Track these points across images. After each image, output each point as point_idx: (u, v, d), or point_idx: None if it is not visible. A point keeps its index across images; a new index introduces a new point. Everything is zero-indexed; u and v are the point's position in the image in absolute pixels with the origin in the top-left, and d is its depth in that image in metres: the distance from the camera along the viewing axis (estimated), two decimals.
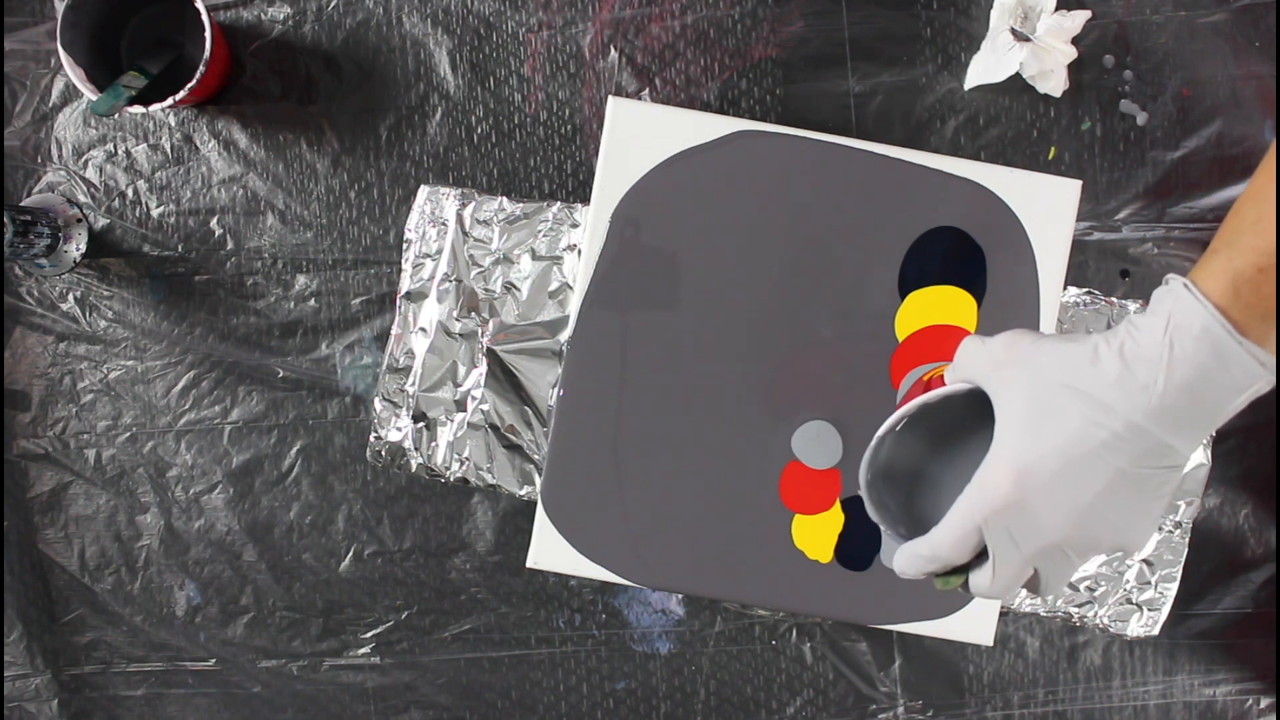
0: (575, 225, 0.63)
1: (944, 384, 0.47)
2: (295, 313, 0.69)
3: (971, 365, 0.44)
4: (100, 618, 0.70)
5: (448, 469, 0.63)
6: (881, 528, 0.48)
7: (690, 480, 0.60)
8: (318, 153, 0.69)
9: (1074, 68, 0.67)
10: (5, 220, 0.62)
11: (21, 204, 0.68)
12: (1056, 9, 0.65)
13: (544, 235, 0.63)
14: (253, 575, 0.70)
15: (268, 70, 0.68)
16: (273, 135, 0.69)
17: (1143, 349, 0.39)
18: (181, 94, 0.61)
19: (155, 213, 0.69)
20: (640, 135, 0.60)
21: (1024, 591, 0.63)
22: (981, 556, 0.43)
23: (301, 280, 0.69)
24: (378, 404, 0.64)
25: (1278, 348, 0.39)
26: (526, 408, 0.63)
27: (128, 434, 0.69)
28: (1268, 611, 0.69)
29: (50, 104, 0.69)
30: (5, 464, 0.69)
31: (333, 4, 0.68)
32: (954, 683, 0.69)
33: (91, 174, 0.69)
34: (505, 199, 0.63)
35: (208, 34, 0.61)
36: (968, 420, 0.47)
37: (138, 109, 0.61)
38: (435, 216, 0.63)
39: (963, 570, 0.44)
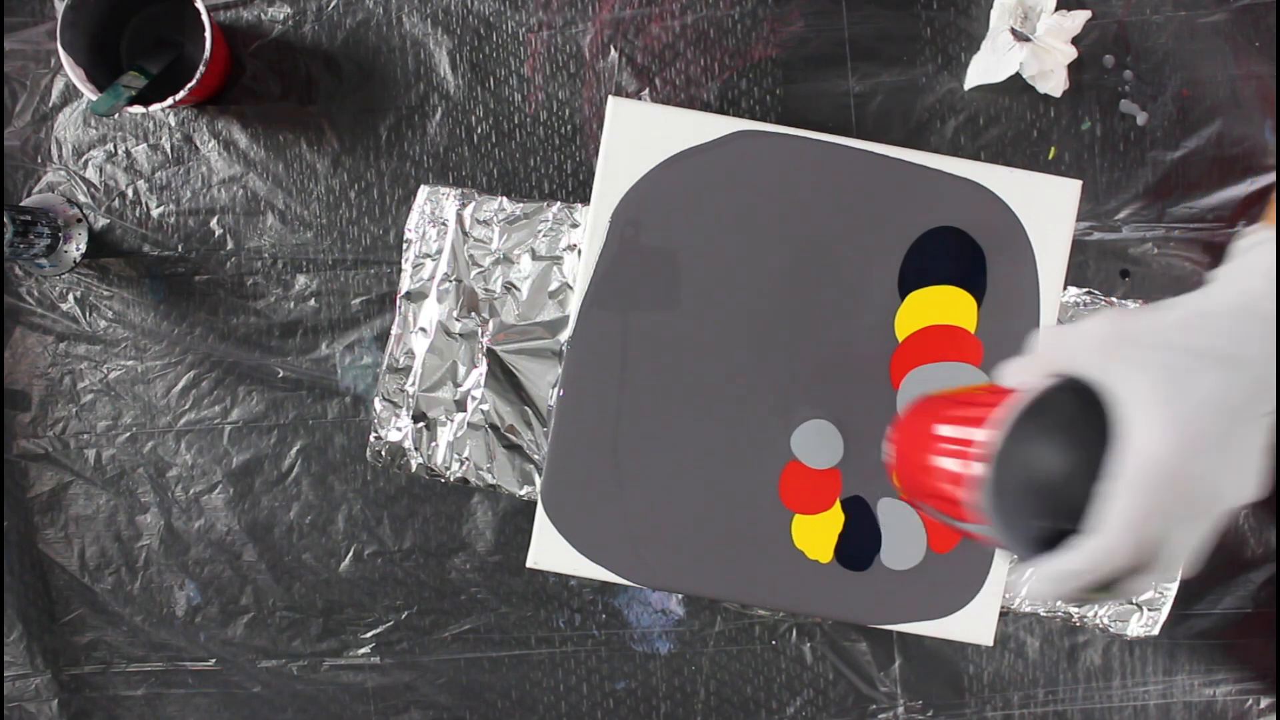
0: (575, 225, 0.63)
1: (1001, 393, 0.43)
2: (295, 313, 0.69)
3: (1069, 355, 0.41)
4: (100, 618, 0.70)
5: (448, 469, 0.63)
6: (1005, 549, 0.43)
7: (690, 480, 0.60)
8: (318, 153, 0.69)
9: (1074, 68, 0.67)
10: (5, 220, 0.62)
11: (21, 204, 0.68)
12: (1056, 9, 0.65)
13: (544, 235, 0.63)
14: (253, 575, 0.70)
15: (268, 70, 0.68)
16: (273, 135, 0.69)
17: (1256, 302, 0.38)
18: (181, 94, 0.61)
19: (155, 213, 0.69)
20: (640, 135, 0.60)
21: (1024, 590, 0.63)
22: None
23: (301, 280, 0.69)
24: (378, 404, 0.64)
25: (1278, 334, 0.39)
26: (526, 408, 0.63)
27: (128, 434, 0.69)
28: (1268, 611, 0.69)
29: (50, 104, 0.69)
30: (5, 464, 0.69)
31: (333, 4, 0.68)
32: (954, 683, 0.69)
33: (91, 174, 0.69)
34: (505, 199, 0.63)
35: (208, 34, 0.61)
36: (1053, 418, 0.43)
37: (138, 109, 0.61)
38: (435, 216, 0.63)
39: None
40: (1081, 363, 0.41)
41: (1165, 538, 0.38)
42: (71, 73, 0.62)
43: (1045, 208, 0.59)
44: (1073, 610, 0.63)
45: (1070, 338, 0.42)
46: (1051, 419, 0.43)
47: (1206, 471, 0.37)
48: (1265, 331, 0.38)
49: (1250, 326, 0.38)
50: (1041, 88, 0.66)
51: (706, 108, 0.68)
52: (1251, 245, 0.40)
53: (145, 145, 0.69)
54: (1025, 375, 0.44)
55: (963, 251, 0.60)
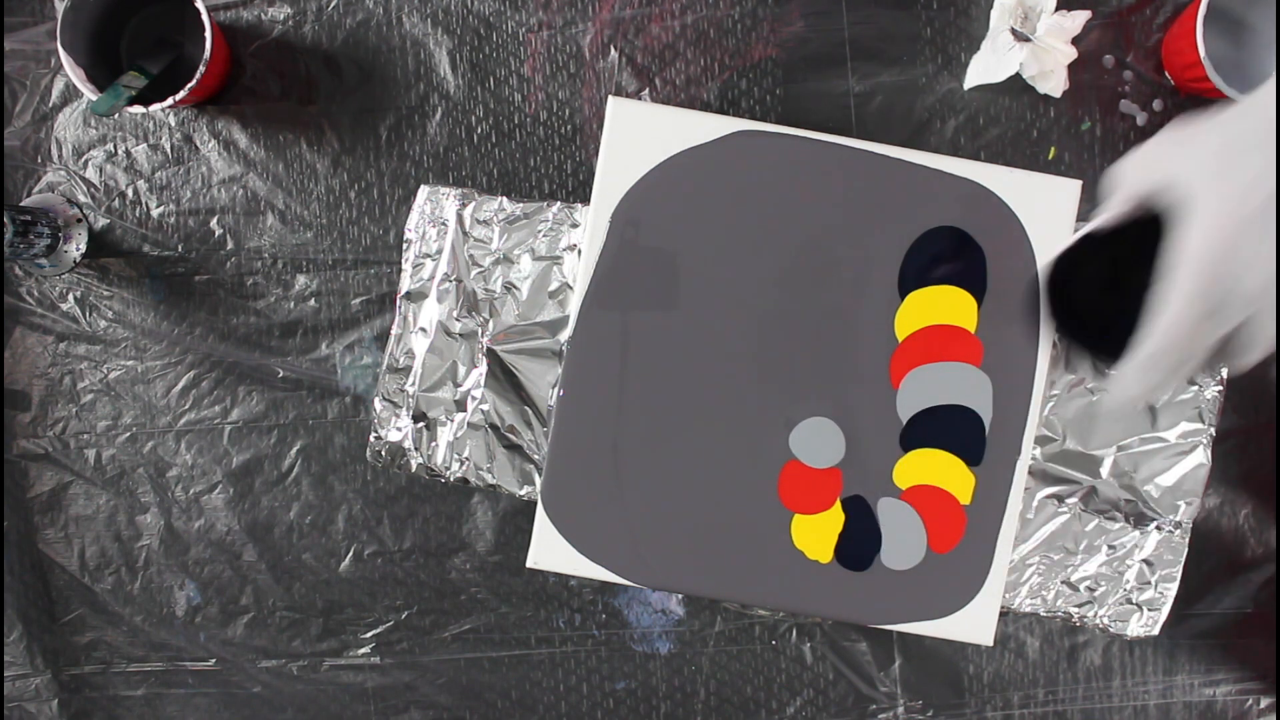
0: (575, 225, 0.63)
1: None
2: (295, 313, 0.69)
3: (1137, 171, 0.44)
4: (100, 618, 0.70)
5: (448, 469, 0.63)
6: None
7: (690, 480, 0.60)
8: (318, 153, 0.69)
9: (1074, 68, 0.67)
10: (5, 220, 0.62)
11: (21, 204, 0.68)
12: (1056, 9, 0.65)
13: (544, 235, 0.63)
14: (253, 575, 0.70)
15: (268, 70, 0.68)
16: (273, 135, 0.69)
17: None
18: (181, 94, 0.61)
19: (155, 213, 0.69)
20: (640, 135, 0.60)
21: (1024, 590, 0.63)
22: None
23: (301, 280, 0.69)
24: (378, 404, 0.64)
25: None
26: (526, 408, 0.63)
27: (128, 434, 0.69)
28: (1268, 611, 0.69)
29: (50, 104, 0.69)
30: (5, 464, 0.69)
31: (333, 4, 0.68)
32: (954, 683, 0.69)
33: (91, 174, 0.69)
34: (505, 199, 0.63)
35: (208, 34, 0.61)
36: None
37: (138, 109, 0.61)
38: (435, 216, 0.63)
39: None
40: (1149, 168, 0.44)
41: (1220, 311, 0.41)
42: (71, 73, 0.62)
43: (1045, 208, 0.59)
44: (1072, 610, 0.63)
45: (1135, 158, 0.44)
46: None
47: (1254, 249, 0.40)
48: None
49: None
50: (1041, 88, 0.66)
51: (706, 108, 0.68)
52: None
53: (145, 145, 0.69)
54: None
55: (963, 251, 0.60)
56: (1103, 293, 0.50)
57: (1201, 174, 0.41)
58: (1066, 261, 0.49)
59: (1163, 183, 0.43)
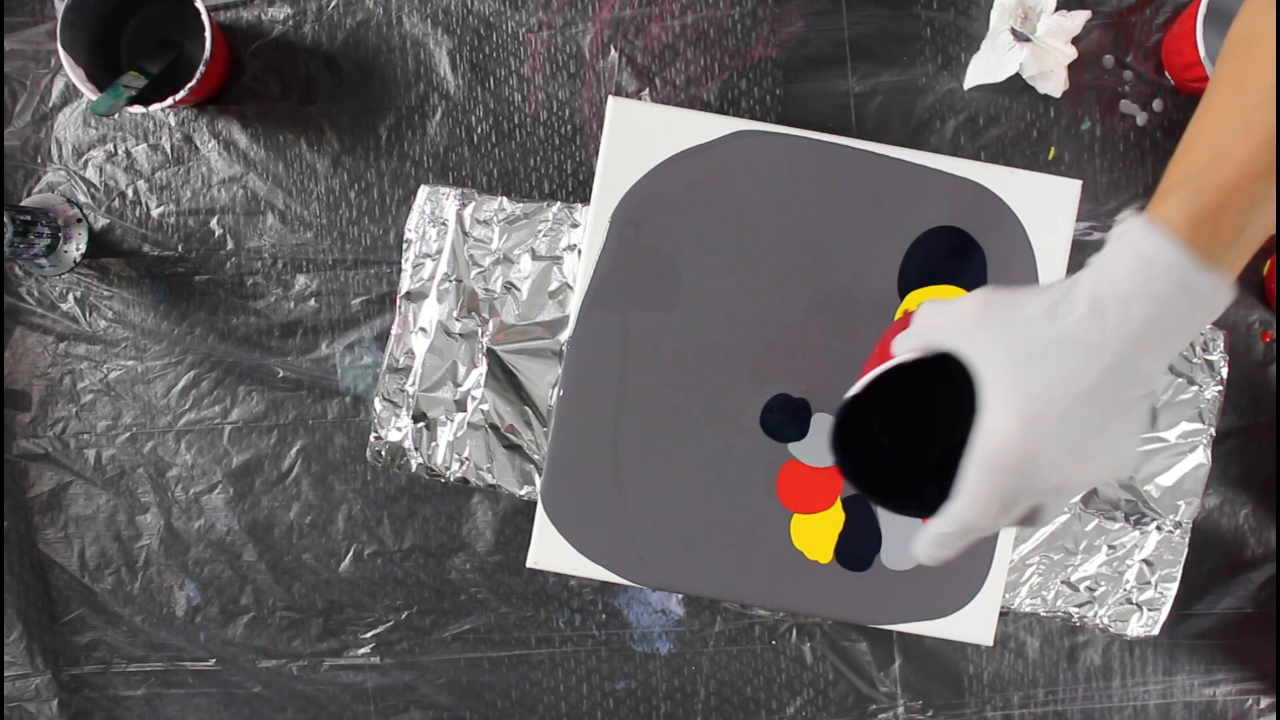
0: (575, 225, 0.63)
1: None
2: (295, 313, 0.69)
3: (941, 329, 0.43)
4: (100, 618, 0.70)
5: (448, 469, 0.63)
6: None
7: (690, 480, 0.60)
8: (318, 153, 0.69)
9: (1074, 68, 0.67)
10: (5, 220, 0.62)
11: (21, 204, 0.68)
12: (1056, 9, 0.65)
13: (544, 235, 0.63)
14: (253, 575, 0.70)
15: (268, 70, 0.68)
16: (273, 135, 0.69)
17: (1115, 287, 0.40)
18: (181, 94, 0.61)
19: (155, 213, 0.69)
20: (640, 135, 0.60)
21: (1024, 590, 0.63)
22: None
23: (301, 280, 0.69)
24: (378, 404, 0.64)
25: None
26: (526, 408, 0.63)
27: (128, 434, 0.69)
28: (1268, 611, 0.69)
29: (50, 104, 0.69)
30: (5, 464, 0.69)
31: (333, 4, 0.68)
32: (954, 683, 0.69)
33: (91, 174, 0.69)
34: (505, 199, 0.63)
35: (208, 34, 0.61)
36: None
37: (138, 109, 0.61)
38: (435, 216, 0.63)
39: None
40: (955, 338, 0.43)
41: (1015, 505, 0.42)
42: (71, 73, 0.62)
43: (1045, 208, 0.59)
44: (1072, 610, 0.63)
45: (947, 312, 0.43)
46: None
47: (1053, 454, 0.40)
48: (1122, 316, 0.39)
49: (1106, 322, 0.39)
50: (1041, 88, 0.66)
51: (706, 108, 0.68)
52: (1123, 234, 0.41)
53: (145, 145, 0.69)
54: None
55: (962, 251, 0.60)
56: (894, 438, 0.48)
57: (1004, 365, 0.41)
58: (857, 405, 0.46)
59: (966, 356, 0.42)
